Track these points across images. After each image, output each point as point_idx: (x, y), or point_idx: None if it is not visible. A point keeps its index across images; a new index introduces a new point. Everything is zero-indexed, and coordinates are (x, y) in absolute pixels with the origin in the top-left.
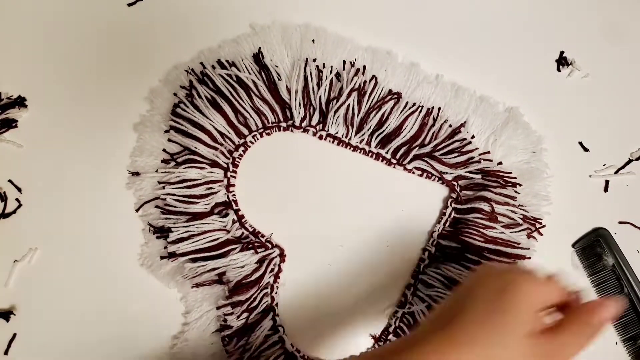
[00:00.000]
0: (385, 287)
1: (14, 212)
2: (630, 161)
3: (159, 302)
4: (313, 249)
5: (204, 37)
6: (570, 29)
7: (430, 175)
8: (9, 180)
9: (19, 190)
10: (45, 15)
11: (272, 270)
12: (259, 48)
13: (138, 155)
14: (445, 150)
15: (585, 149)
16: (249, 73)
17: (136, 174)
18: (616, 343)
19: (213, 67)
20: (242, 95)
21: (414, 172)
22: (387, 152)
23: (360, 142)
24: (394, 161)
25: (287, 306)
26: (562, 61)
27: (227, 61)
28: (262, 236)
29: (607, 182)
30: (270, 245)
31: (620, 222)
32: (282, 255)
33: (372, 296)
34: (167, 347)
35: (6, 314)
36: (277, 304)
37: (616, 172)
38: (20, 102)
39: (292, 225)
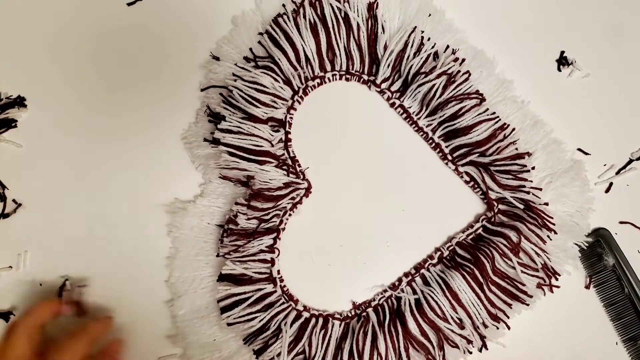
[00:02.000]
0: (384, 265)
1: (14, 211)
2: (631, 161)
3: (165, 310)
4: (335, 200)
5: (204, 37)
6: (570, 29)
7: (476, 186)
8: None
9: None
10: (44, 15)
11: (293, 199)
12: None
13: (226, 43)
14: (502, 168)
15: (586, 154)
16: (358, 16)
17: (217, 58)
18: (616, 343)
19: None
20: (342, 32)
21: (462, 177)
22: (447, 147)
23: (427, 126)
24: (450, 157)
25: (290, 238)
26: (562, 61)
27: None
28: (299, 165)
29: (610, 184)
30: (302, 176)
31: (621, 222)
32: (307, 190)
33: (367, 267)
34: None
35: (6, 314)
36: (283, 229)
37: (617, 173)
38: (19, 102)
39: (327, 172)
